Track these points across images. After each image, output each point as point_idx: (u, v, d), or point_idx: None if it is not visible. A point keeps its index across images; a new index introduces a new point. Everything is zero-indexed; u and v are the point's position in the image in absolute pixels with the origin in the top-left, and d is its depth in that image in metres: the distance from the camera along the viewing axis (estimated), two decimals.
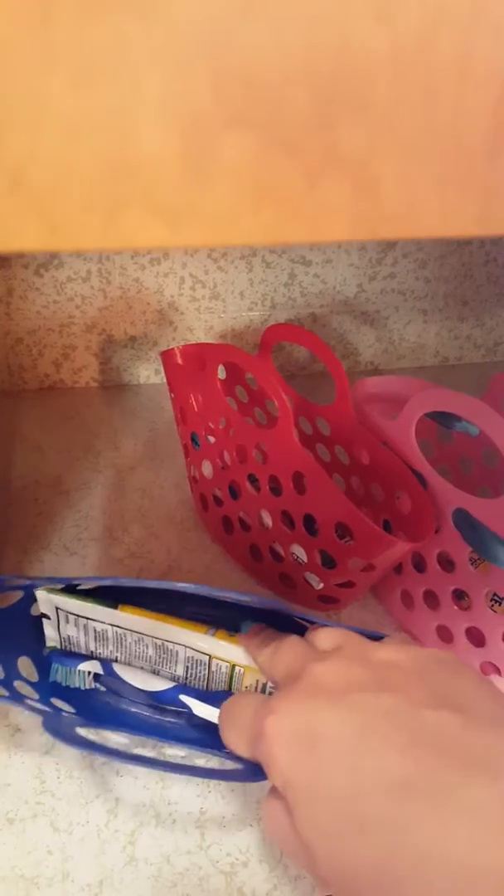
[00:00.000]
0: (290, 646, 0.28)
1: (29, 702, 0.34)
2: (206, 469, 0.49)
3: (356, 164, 0.16)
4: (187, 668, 0.35)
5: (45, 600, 0.36)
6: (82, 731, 0.35)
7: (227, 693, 0.35)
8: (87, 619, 0.35)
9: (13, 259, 0.64)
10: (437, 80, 0.16)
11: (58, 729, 0.33)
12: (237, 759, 0.33)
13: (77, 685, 0.37)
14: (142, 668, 0.36)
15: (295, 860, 0.24)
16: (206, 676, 0.35)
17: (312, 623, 0.32)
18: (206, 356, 0.44)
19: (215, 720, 0.31)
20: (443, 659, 0.26)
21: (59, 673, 0.37)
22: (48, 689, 0.37)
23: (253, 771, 0.32)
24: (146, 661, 0.36)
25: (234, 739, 0.27)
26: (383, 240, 0.18)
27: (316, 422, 0.49)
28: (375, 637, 0.29)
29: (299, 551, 0.44)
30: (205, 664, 0.35)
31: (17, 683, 0.35)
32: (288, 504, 0.42)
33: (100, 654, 0.37)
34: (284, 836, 0.24)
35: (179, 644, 0.35)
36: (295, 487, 0.41)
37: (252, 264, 0.69)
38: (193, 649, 0.35)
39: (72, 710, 0.36)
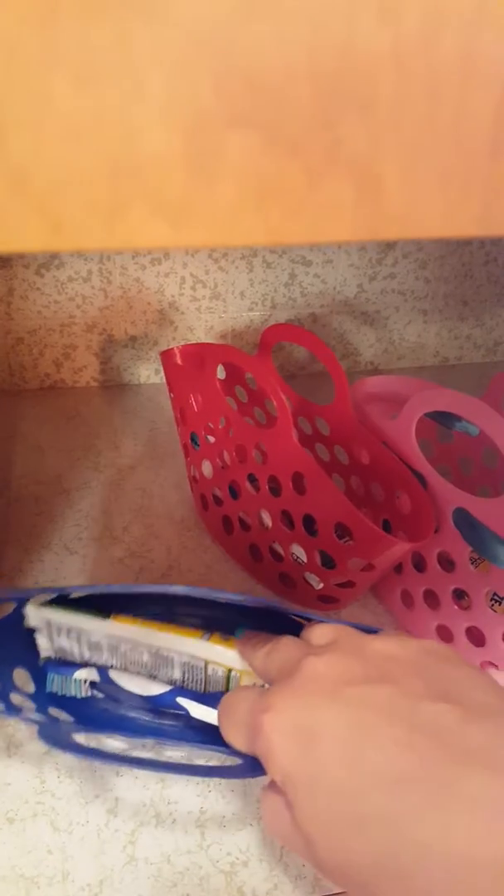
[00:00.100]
0: (285, 645, 0.28)
1: (26, 713, 0.34)
2: (206, 469, 0.49)
3: (359, 164, 0.16)
4: (184, 672, 0.35)
5: (35, 615, 0.36)
6: (80, 738, 0.35)
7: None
8: (80, 630, 0.35)
9: (14, 259, 0.64)
10: (439, 79, 0.16)
11: (54, 737, 0.33)
12: (237, 754, 0.33)
13: (73, 693, 0.37)
14: (138, 673, 0.36)
15: (296, 853, 0.24)
16: (203, 680, 0.35)
17: (309, 621, 0.32)
18: (205, 356, 0.44)
19: (213, 721, 0.31)
20: (438, 650, 0.26)
21: (55, 683, 0.37)
22: (45, 699, 0.37)
23: (252, 766, 0.32)
24: (142, 666, 0.36)
25: (233, 734, 0.27)
26: (384, 240, 0.18)
27: (315, 422, 0.49)
28: (371, 632, 0.29)
29: (299, 551, 0.44)
30: (201, 669, 0.34)
31: (13, 696, 0.35)
32: (288, 504, 0.42)
33: (95, 662, 0.37)
34: (284, 830, 0.24)
35: (174, 651, 0.35)
36: (294, 487, 0.41)
37: (252, 264, 0.69)
38: (189, 655, 0.34)
39: (70, 718, 0.36)
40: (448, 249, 0.74)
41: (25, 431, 0.65)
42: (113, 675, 0.36)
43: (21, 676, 0.36)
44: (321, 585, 0.43)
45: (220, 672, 0.34)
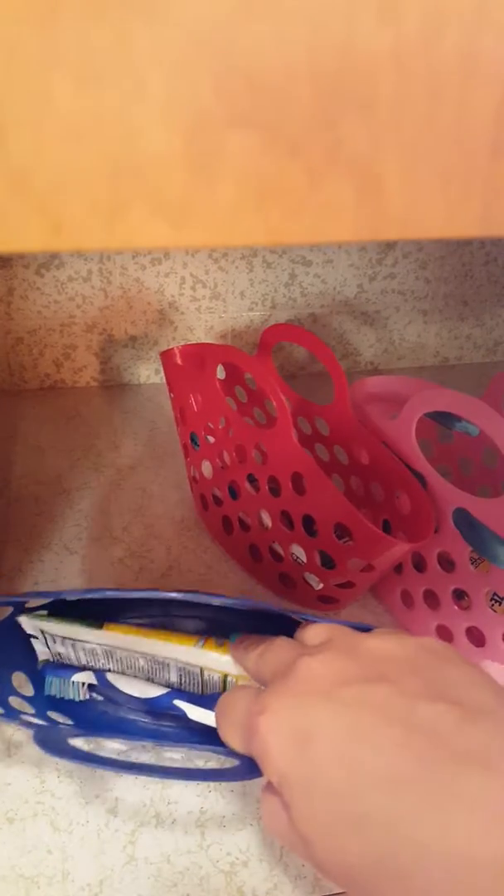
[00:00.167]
0: (279, 646, 0.28)
1: (24, 717, 0.34)
2: (206, 469, 0.49)
3: (359, 164, 0.16)
4: (180, 676, 0.35)
5: (29, 624, 0.36)
6: (77, 741, 0.35)
7: None
8: (74, 638, 0.35)
9: (14, 259, 0.64)
10: (440, 79, 0.16)
11: (50, 742, 0.33)
12: (234, 754, 0.33)
13: (72, 697, 0.37)
14: (135, 676, 0.36)
15: (296, 853, 0.24)
16: (200, 683, 0.35)
17: (304, 620, 0.32)
18: (205, 356, 0.44)
19: (211, 723, 0.31)
20: (435, 648, 0.25)
21: (53, 686, 0.37)
22: (44, 703, 0.36)
23: (249, 767, 0.32)
24: (139, 670, 0.36)
25: (229, 735, 0.27)
26: (385, 240, 0.18)
27: (315, 422, 0.49)
28: (365, 630, 0.29)
29: (299, 551, 0.44)
30: (197, 674, 0.34)
31: (11, 699, 0.35)
32: (287, 504, 0.42)
33: (92, 666, 0.37)
34: (283, 830, 0.24)
35: (170, 658, 0.35)
36: (294, 488, 0.41)
37: (252, 264, 0.69)
38: (184, 662, 0.34)
39: (69, 721, 0.36)
40: (448, 249, 0.74)
41: (25, 431, 0.65)
42: (111, 678, 0.36)
43: (19, 680, 0.36)
44: (321, 586, 0.43)
45: (217, 677, 0.34)
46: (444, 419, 0.41)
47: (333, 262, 0.71)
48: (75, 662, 0.37)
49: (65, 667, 0.37)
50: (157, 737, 0.37)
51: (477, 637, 0.39)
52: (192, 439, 0.50)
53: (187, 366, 0.48)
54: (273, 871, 0.33)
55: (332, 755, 0.22)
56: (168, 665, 0.35)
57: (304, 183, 0.16)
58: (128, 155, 0.15)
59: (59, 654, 0.36)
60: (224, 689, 0.34)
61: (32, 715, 0.35)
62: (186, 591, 0.31)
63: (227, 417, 0.44)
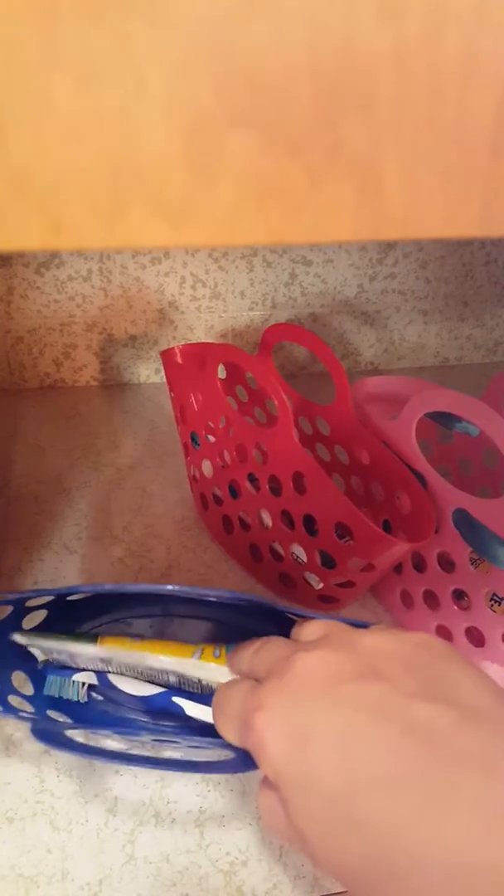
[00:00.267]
0: (274, 644, 0.28)
1: (23, 714, 0.34)
2: (206, 468, 0.49)
3: (359, 164, 0.16)
4: (180, 681, 0.35)
5: (24, 641, 0.36)
6: (75, 733, 0.35)
7: None
8: (70, 653, 0.35)
9: (14, 258, 0.64)
10: (440, 79, 0.16)
11: (48, 734, 0.33)
12: (231, 747, 0.32)
13: (71, 696, 0.37)
14: (135, 678, 0.36)
15: (294, 848, 0.24)
16: (199, 686, 0.35)
17: (301, 617, 0.32)
18: (206, 355, 0.44)
19: (209, 720, 0.31)
20: (432, 645, 0.25)
21: (53, 686, 0.37)
22: (44, 702, 0.36)
23: (245, 760, 0.32)
24: (138, 674, 0.36)
25: (226, 728, 0.27)
26: (385, 240, 0.18)
27: (316, 421, 0.49)
28: (362, 627, 0.29)
29: (299, 551, 0.44)
30: (196, 682, 0.34)
31: (11, 698, 0.35)
32: (288, 504, 0.42)
33: (91, 669, 0.37)
34: (281, 826, 0.24)
35: (168, 670, 0.35)
36: (295, 487, 0.41)
37: (253, 264, 0.69)
38: (181, 673, 0.34)
39: (69, 720, 0.36)
40: (448, 250, 0.74)
41: (25, 431, 0.65)
42: (111, 678, 0.36)
43: (19, 679, 0.36)
44: (321, 585, 0.43)
45: (215, 686, 0.34)
46: (444, 419, 0.41)
47: (334, 261, 0.71)
48: (74, 668, 0.37)
49: (65, 666, 0.37)
50: (156, 732, 0.37)
51: (476, 637, 0.39)
52: (193, 438, 0.50)
53: (188, 365, 0.48)
54: (272, 870, 0.33)
55: (328, 755, 0.22)
56: (166, 671, 0.35)
57: (304, 183, 0.16)
58: (128, 155, 0.15)
59: (58, 660, 0.37)
60: None
61: (32, 714, 0.35)
62: (182, 586, 0.31)
63: (227, 417, 0.44)
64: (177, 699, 0.35)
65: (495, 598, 0.40)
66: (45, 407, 0.69)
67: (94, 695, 0.37)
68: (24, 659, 0.37)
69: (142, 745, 0.37)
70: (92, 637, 0.35)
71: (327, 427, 0.48)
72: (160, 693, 0.35)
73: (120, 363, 0.73)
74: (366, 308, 0.76)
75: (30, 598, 0.35)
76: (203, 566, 0.50)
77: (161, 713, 0.37)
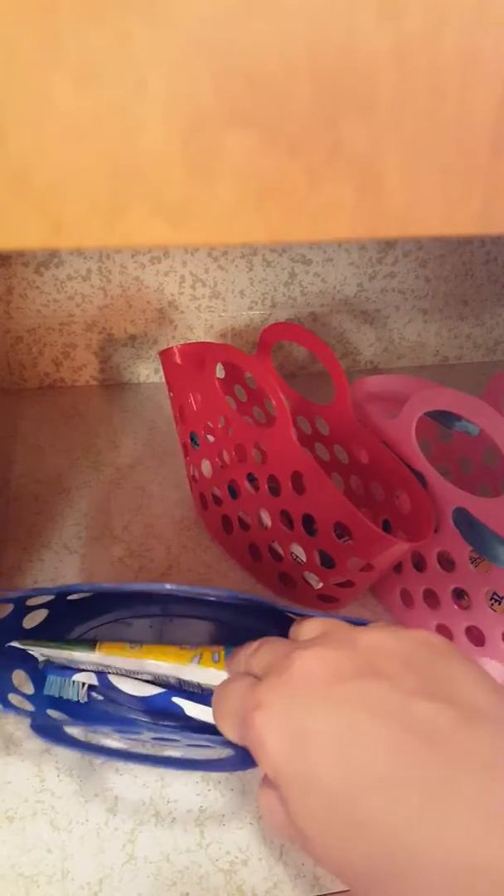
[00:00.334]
0: (272, 643, 0.28)
1: (22, 710, 0.34)
2: (206, 468, 0.49)
3: (359, 163, 0.16)
4: (179, 681, 0.35)
5: (23, 647, 0.36)
6: (75, 732, 0.35)
7: None
8: (69, 658, 0.36)
9: (13, 257, 0.64)
10: (440, 78, 0.16)
11: (45, 729, 0.33)
12: (231, 745, 0.32)
13: (72, 696, 0.37)
14: (136, 679, 0.36)
15: (296, 846, 0.24)
16: (199, 688, 0.35)
17: (299, 615, 0.32)
18: (205, 355, 0.44)
19: (209, 719, 0.31)
20: (432, 642, 0.25)
21: (53, 686, 0.37)
22: (44, 701, 0.37)
23: (244, 758, 0.32)
24: (138, 676, 0.36)
25: (225, 725, 0.27)
26: (384, 239, 0.18)
27: (315, 421, 0.49)
28: (361, 624, 0.29)
29: (298, 551, 0.44)
30: (195, 686, 0.34)
31: (11, 696, 0.35)
32: (287, 503, 0.42)
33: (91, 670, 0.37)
34: (281, 825, 0.24)
35: (168, 675, 0.35)
36: (294, 487, 0.41)
37: (252, 263, 0.69)
38: (180, 678, 0.34)
39: (68, 720, 0.36)
40: (448, 248, 0.74)
41: (25, 430, 0.65)
42: (111, 678, 0.36)
43: (20, 678, 0.36)
44: (320, 585, 0.43)
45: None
46: (444, 418, 0.41)
47: (333, 260, 0.71)
48: (74, 668, 0.37)
49: (65, 667, 0.37)
50: (156, 731, 0.37)
51: (476, 636, 0.39)
52: (192, 438, 0.50)
53: (187, 365, 0.48)
54: (273, 869, 0.33)
55: (328, 754, 0.22)
56: (167, 676, 0.35)
57: (304, 182, 0.16)
58: (128, 154, 0.15)
59: (58, 660, 0.37)
60: None
61: (31, 713, 0.35)
62: (182, 585, 0.31)
63: (226, 416, 0.44)
64: (177, 699, 0.35)
65: (495, 597, 0.40)
66: (45, 407, 0.69)
67: (94, 695, 0.37)
68: (24, 658, 0.37)
69: (142, 745, 0.37)
70: (90, 644, 0.35)
71: (326, 427, 0.48)
72: (160, 693, 0.35)
73: (119, 363, 0.73)
74: (365, 307, 0.76)
75: (30, 596, 0.35)
76: (203, 566, 0.50)
77: (161, 713, 0.37)
